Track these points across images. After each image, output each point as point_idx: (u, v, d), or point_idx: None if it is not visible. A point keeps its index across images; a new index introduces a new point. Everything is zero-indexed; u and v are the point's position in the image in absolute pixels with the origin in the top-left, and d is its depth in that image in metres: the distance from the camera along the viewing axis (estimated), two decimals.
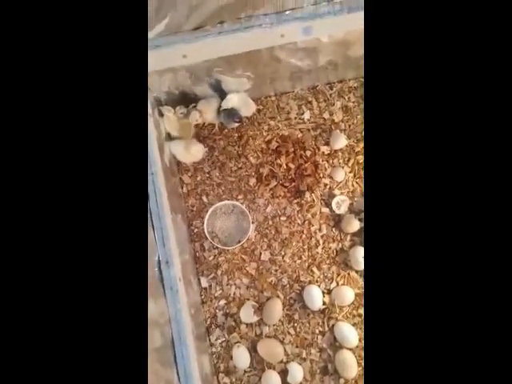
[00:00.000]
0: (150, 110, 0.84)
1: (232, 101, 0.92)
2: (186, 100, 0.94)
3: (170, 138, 0.95)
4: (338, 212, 0.92)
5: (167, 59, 0.75)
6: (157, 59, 0.74)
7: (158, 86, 0.86)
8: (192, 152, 0.92)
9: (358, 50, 0.86)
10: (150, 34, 0.72)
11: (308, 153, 0.96)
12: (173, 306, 0.66)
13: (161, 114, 0.91)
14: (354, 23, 0.74)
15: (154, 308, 0.64)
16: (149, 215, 0.71)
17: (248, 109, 0.96)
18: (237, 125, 0.96)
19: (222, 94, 0.94)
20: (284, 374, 0.84)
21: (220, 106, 0.93)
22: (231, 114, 0.93)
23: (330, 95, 0.99)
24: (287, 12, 0.70)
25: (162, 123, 0.91)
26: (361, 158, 0.96)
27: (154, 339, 0.63)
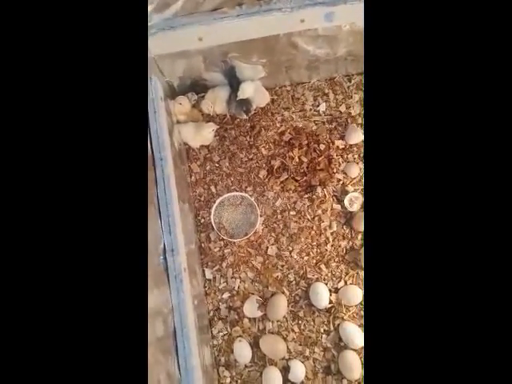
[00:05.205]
0: (161, 95, 0.81)
1: (248, 90, 0.88)
2: (196, 86, 0.91)
3: (178, 123, 0.93)
4: (350, 209, 0.89)
5: (183, 41, 0.72)
6: (172, 41, 0.72)
7: (171, 70, 0.84)
8: (203, 133, 0.90)
9: None
10: (166, 14, 0.69)
11: (322, 146, 0.93)
12: (176, 296, 0.64)
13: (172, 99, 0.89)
14: None
15: (157, 297, 0.62)
16: (156, 202, 0.69)
17: (262, 98, 0.93)
18: (245, 116, 0.93)
19: (234, 82, 0.90)
20: (285, 371, 0.82)
21: (230, 96, 0.90)
22: (244, 104, 0.90)
23: (348, 87, 0.96)
24: None
25: (172, 109, 0.89)
26: None
27: (157, 329, 0.61)
